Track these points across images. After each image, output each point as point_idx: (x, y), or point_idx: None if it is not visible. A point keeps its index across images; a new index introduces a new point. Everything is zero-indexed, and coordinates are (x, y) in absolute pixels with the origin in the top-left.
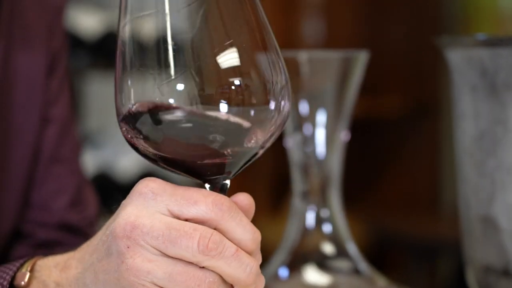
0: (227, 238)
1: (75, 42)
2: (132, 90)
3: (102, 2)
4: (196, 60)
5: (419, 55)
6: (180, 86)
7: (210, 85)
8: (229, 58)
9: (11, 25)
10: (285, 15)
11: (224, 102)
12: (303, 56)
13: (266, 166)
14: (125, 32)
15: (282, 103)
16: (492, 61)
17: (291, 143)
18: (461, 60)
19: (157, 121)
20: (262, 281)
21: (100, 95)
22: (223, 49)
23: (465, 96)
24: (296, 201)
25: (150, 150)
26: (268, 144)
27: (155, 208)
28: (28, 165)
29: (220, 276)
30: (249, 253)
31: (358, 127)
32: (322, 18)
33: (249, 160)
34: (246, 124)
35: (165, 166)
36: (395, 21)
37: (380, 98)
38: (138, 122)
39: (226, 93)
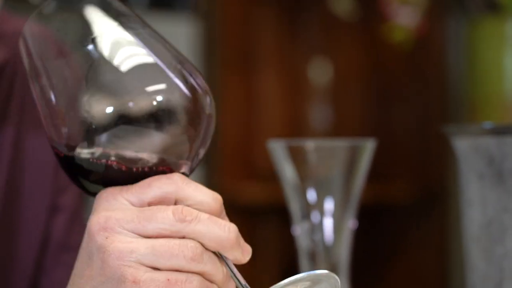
0: (190, 205)
1: None
2: None
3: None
4: None
5: (427, 143)
6: None
7: None
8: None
9: (23, 113)
10: (292, 102)
11: None
12: (310, 144)
13: (273, 254)
14: None
15: None
16: (499, 149)
17: (299, 231)
18: (468, 148)
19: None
20: (248, 248)
21: None
22: None
23: (472, 184)
24: None
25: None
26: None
27: (119, 204)
28: (36, 253)
29: (201, 244)
30: (217, 215)
31: (365, 214)
32: (330, 104)
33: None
34: None
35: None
36: (403, 108)
37: (388, 185)
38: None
39: None
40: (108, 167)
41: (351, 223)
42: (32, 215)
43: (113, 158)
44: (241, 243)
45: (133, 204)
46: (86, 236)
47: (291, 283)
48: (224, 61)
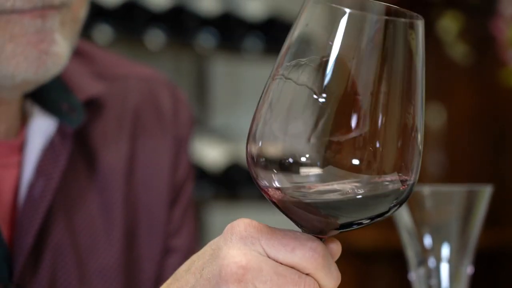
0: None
1: (200, 173)
2: None
3: (226, 134)
4: None
5: None
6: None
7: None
8: None
9: (134, 149)
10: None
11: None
12: (427, 190)
13: None
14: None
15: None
16: None
17: (415, 277)
18: None
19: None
20: None
21: (223, 226)
22: None
23: None
24: None
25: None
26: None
27: (256, 251)
28: None
29: None
30: None
31: (482, 259)
32: (444, 149)
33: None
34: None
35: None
36: None
37: (504, 230)
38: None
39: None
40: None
41: (468, 269)
42: (149, 254)
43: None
44: None
45: (268, 256)
46: (213, 275)
47: None
48: None
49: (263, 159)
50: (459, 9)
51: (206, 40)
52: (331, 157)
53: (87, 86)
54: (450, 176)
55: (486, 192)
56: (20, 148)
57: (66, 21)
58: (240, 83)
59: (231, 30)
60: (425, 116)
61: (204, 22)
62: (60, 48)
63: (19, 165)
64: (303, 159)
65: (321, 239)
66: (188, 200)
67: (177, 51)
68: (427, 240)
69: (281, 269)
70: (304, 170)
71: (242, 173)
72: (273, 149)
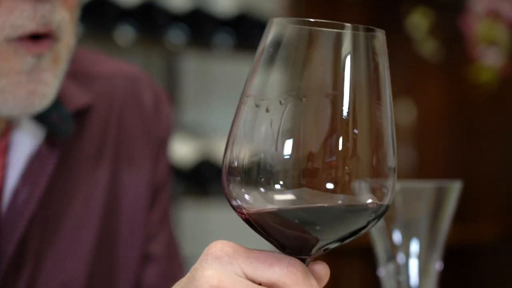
0: None
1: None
2: None
3: (196, 130)
4: None
5: None
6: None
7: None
8: None
9: (117, 156)
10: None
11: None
12: (396, 186)
13: None
14: None
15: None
16: None
17: (384, 272)
18: None
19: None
20: None
21: (193, 222)
22: None
23: None
24: None
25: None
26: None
27: (232, 271)
28: None
29: None
30: None
31: (451, 255)
32: (414, 145)
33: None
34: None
35: (258, 229)
36: (487, 148)
37: (473, 226)
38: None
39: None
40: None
41: (437, 265)
42: (127, 262)
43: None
44: None
45: (246, 276)
46: None
47: None
48: None
49: (238, 177)
50: (429, 6)
51: (176, 36)
52: (305, 181)
53: (75, 96)
54: (420, 172)
55: (455, 188)
56: (5, 151)
57: (59, 57)
58: (211, 79)
59: (201, 26)
60: (395, 113)
61: (174, 18)
62: (49, 88)
63: (3, 167)
64: (276, 185)
65: (304, 260)
66: (167, 203)
67: (147, 47)
68: (396, 236)
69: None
70: (277, 194)
71: (212, 169)
72: (248, 168)
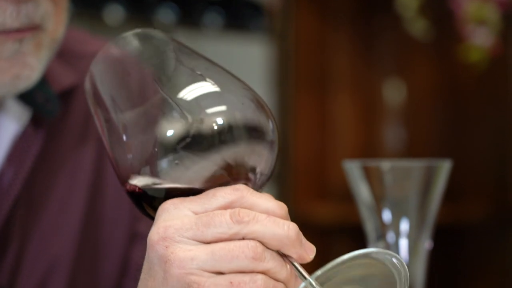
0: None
1: None
2: None
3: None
4: None
5: (502, 162)
6: None
7: None
8: None
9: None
10: (366, 123)
11: None
12: (386, 165)
13: None
14: None
15: None
16: None
17: None
18: None
19: None
20: (311, 246)
21: None
22: None
23: None
24: None
25: None
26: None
27: (180, 213)
28: (116, 279)
29: (261, 243)
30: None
31: (441, 234)
32: (404, 125)
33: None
34: None
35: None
36: (478, 128)
37: (464, 205)
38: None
39: None
40: (168, 191)
41: (426, 244)
42: (114, 241)
43: (173, 185)
44: (303, 241)
45: (195, 213)
46: (147, 247)
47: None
48: (299, 81)
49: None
50: None
51: (165, 15)
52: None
53: (61, 76)
54: (410, 151)
55: (445, 167)
56: None
57: (42, 43)
58: None
59: (191, 6)
60: (385, 92)
61: None
62: (32, 71)
63: None
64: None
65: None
66: None
67: (136, 27)
68: (386, 215)
69: (202, 214)
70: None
71: None
72: None
